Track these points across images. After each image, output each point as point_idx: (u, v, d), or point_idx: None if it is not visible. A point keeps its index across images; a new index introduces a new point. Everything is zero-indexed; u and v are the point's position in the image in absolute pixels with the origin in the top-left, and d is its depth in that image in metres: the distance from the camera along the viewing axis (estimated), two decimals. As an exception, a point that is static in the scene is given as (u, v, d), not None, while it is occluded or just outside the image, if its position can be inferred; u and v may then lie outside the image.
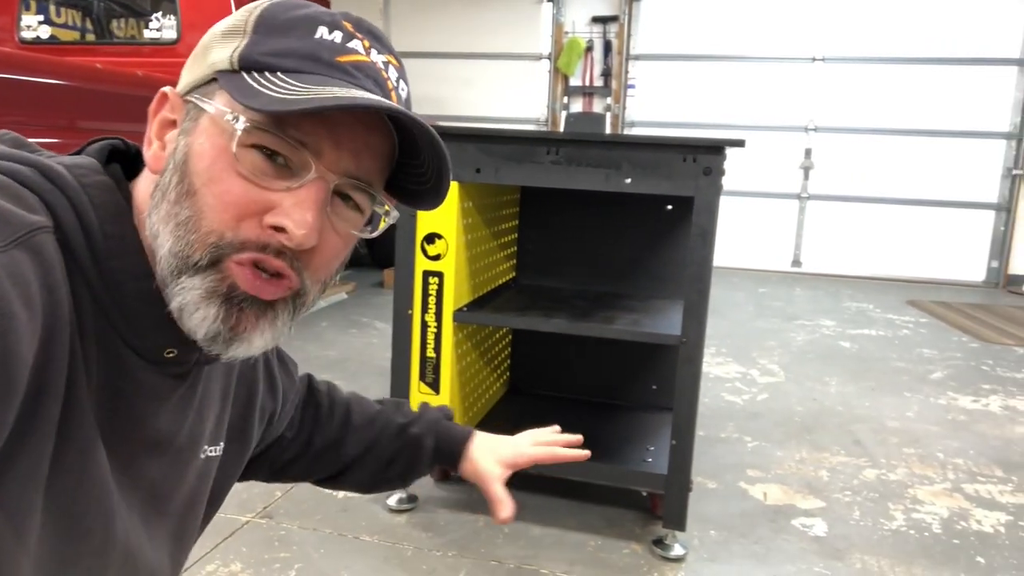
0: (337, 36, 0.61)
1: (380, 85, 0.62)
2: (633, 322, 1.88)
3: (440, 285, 1.87)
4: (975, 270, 6.29)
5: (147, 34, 3.98)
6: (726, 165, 1.68)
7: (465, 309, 1.92)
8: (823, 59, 6.25)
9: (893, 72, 6.17)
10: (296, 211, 0.58)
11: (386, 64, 0.64)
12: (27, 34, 3.81)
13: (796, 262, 6.57)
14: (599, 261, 2.36)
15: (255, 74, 0.59)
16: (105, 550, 0.64)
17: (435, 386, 1.91)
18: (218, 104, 0.59)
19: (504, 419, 2.21)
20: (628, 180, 1.71)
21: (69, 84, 2.70)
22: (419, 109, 7.09)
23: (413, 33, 7.01)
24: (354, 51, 0.61)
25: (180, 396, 0.69)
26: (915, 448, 2.61)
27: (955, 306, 5.26)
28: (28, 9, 3.84)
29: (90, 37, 4.13)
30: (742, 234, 6.47)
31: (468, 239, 1.94)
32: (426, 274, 1.87)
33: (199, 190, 0.58)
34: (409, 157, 0.66)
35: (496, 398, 2.37)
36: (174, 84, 0.66)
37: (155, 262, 0.60)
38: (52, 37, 3.92)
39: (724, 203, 1.71)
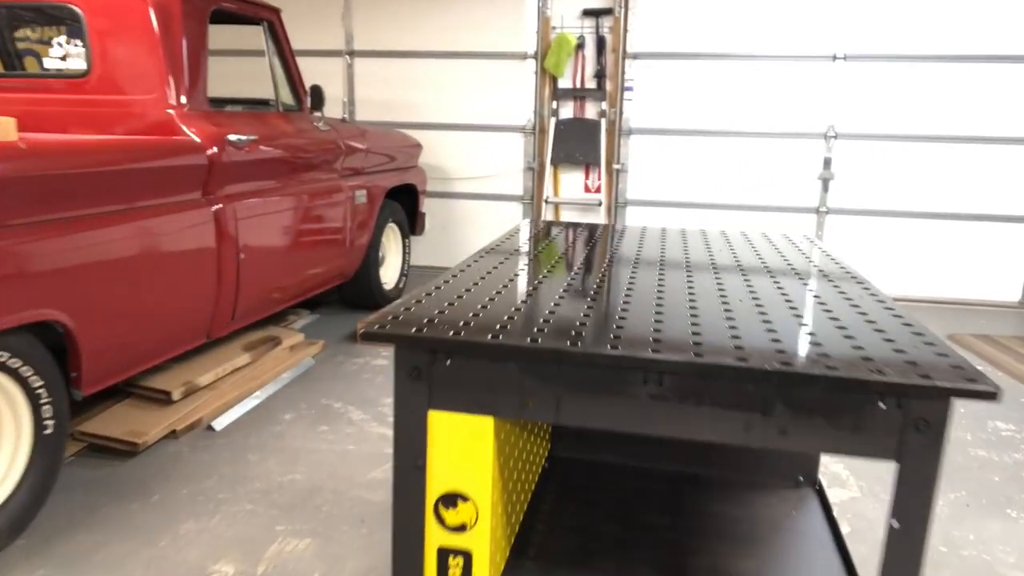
0: None
1: None
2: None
3: (467, 568, 1.19)
4: (1010, 289, 5.74)
5: (47, 63, 3.17)
6: (947, 417, 1.01)
7: (503, 589, 1.25)
8: (844, 57, 5.57)
9: (924, 71, 5.52)
10: None
11: None
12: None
13: (811, 279, 5.96)
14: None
15: None
16: None
17: None
18: None
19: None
20: (783, 433, 1.03)
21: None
22: (387, 115, 6.35)
23: (378, 30, 6.19)
24: None
25: None
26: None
27: (1001, 342, 4.70)
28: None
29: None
30: (752, 250, 5.84)
31: (503, 493, 1.26)
32: (443, 553, 1.18)
33: None
34: None
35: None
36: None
37: None
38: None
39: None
